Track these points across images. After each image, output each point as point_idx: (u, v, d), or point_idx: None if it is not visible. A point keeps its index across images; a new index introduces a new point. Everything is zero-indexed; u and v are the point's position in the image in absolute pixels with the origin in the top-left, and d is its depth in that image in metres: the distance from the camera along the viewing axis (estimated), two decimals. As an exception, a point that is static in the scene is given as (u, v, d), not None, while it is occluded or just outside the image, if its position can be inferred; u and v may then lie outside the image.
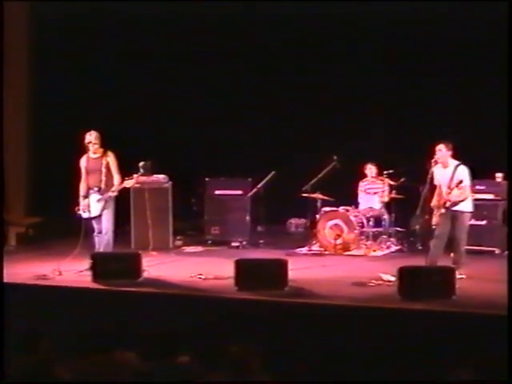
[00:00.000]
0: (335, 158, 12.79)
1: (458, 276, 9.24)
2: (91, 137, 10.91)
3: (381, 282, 9.87)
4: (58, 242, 12.69)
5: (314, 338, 8.39)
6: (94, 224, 10.96)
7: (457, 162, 10.23)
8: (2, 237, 12.84)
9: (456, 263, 9.99)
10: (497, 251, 12.15)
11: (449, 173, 10.18)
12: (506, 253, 12.03)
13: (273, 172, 13.07)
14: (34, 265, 11.08)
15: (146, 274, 10.24)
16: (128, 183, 11.06)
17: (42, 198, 14.18)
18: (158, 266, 11.21)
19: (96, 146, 10.95)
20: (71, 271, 10.57)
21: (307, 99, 14.71)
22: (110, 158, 10.96)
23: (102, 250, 10.82)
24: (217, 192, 13.83)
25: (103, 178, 10.90)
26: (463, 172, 10.16)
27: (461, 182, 10.01)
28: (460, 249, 10.21)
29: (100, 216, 10.89)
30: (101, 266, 10.07)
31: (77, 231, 10.89)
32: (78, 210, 10.93)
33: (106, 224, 10.90)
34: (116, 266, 10.02)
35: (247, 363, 5.64)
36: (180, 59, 15.05)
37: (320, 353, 8.18)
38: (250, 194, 13.36)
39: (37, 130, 14.52)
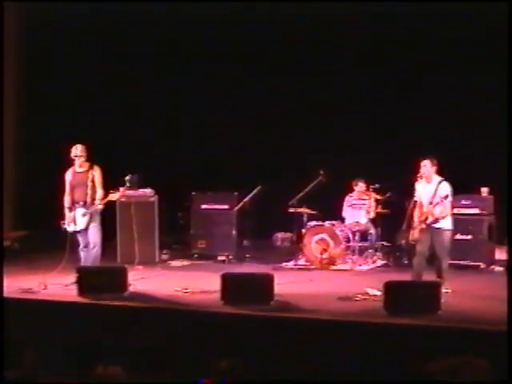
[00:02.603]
0: (321, 172, 12.79)
1: (443, 290, 9.26)
2: (77, 150, 10.89)
3: (367, 297, 9.86)
4: (44, 255, 12.62)
5: (300, 352, 8.37)
6: (80, 238, 10.94)
7: (440, 178, 10.24)
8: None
9: (439, 278, 10.02)
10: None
11: (431, 188, 10.19)
12: (492, 267, 12.11)
13: (259, 186, 13.08)
14: (20, 278, 11.02)
15: (131, 288, 10.19)
16: (113, 196, 11.03)
17: (28, 211, 14.14)
18: (143, 280, 11.18)
19: (82, 160, 10.93)
20: (57, 285, 10.53)
21: (294, 113, 14.75)
22: (96, 172, 10.92)
23: (90, 263, 10.79)
24: (203, 206, 13.81)
25: (89, 192, 10.86)
26: (446, 188, 10.15)
27: (446, 196, 10.02)
28: (442, 265, 10.19)
29: (86, 230, 10.86)
30: (86, 279, 10.03)
31: (62, 245, 10.86)
32: (63, 223, 10.91)
33: (94, 238, 10.86)
34: (102, 279, 9.96)
35: (234, 377, 5.65)
36: (166, 73, 15.07)
37: (306, 367, 8.16)
38: (237, 208, 13.36)
39: (23, 144, 14.49)
